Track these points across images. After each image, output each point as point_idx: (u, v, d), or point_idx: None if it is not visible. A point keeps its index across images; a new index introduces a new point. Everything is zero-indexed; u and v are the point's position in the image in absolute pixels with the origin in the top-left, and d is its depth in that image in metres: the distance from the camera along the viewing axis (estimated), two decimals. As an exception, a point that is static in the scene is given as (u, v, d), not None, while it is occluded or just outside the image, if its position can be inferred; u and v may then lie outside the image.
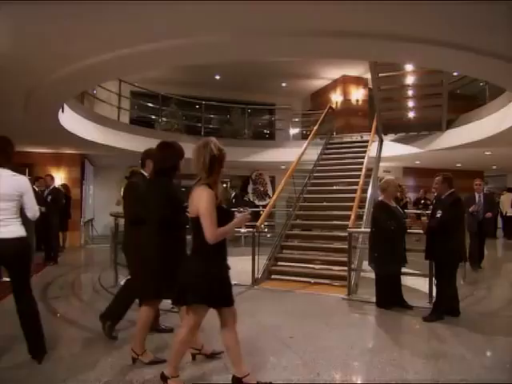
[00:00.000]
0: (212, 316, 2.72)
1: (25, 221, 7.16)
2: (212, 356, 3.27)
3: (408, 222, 4.84)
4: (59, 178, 10.28)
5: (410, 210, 10.31)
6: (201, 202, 2.53)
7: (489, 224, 7.70)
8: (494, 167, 13.95)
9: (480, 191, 7.52)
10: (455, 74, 9.01)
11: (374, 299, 4.95)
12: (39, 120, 6.53)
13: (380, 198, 4.99)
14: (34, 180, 9.09)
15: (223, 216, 2.60)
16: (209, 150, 2.62)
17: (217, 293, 2.63)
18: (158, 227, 3.04)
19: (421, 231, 4.70)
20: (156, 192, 3.10)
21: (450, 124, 9.43)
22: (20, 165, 9.75)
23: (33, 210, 3.17)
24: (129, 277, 3.96)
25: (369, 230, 5.15)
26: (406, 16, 3.34)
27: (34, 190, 8.48)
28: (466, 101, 11.00)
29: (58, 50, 3.88)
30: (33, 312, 3.17)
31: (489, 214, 7.47)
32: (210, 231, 2.50)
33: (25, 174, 10.03)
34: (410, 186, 14.01)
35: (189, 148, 9.62)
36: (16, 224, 3.08)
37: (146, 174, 3.72)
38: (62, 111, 6.54)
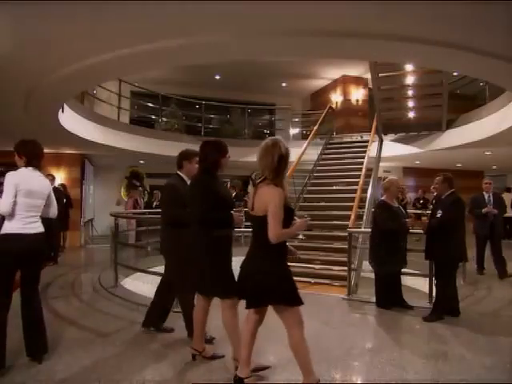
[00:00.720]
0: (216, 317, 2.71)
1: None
2: (212, 358, 3.25)
3: (409, 221, 4.83)
4: (59, 177, 10.28)
5: (411, 210, 10.31)
6: (271, 201, 2.51)
7: (500, 226, 7.03)
8: (494, 167, 13.96)
9: (489, 191, 6.98)
10: (455, 73, 9.02)
11: (373, 299, 4.95)
12: (39, 120, 6.53)
13: (382, 198, 4.99)
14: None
15: (288, 216, 2.60)
16: (278, 149, 2.62)
17: (284, 291, 2.60)
18: (205, 226, 3.00)
19: (421, 231, 4.70)
20: (200, 190, 3.06)
21: (450, 124, 9.42)
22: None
23: (55, 209, 3.47)
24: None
25: (369, 230, 5.15)
26: (406, 16, 3.34)
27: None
28: (466, 101, 11.00)
29: (57, 50, 3.88)
30: (40, 316, 3.27)
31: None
32: (275, 231, 2.48)
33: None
34: (409, 186, 14.01)
35: (189, 148, 9.59)
36: (40, 220, 3.31)
37: (182, 175, 3.74)
38: (62, 111, 6.54)
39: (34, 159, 3.26)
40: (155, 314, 3.92)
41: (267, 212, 2.51)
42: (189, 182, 3.57)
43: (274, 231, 2.48)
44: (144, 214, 10.40)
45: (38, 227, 3.23)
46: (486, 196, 6.95)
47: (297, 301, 2.62)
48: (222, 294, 2.97)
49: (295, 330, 2.63)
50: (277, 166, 2.60)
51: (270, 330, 3.00)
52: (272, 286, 2.56)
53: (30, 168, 3.22)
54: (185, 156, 3.75)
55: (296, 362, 2.66)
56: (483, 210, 6.70)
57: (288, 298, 2.60)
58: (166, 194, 3.81)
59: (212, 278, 2.97)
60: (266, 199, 2.54)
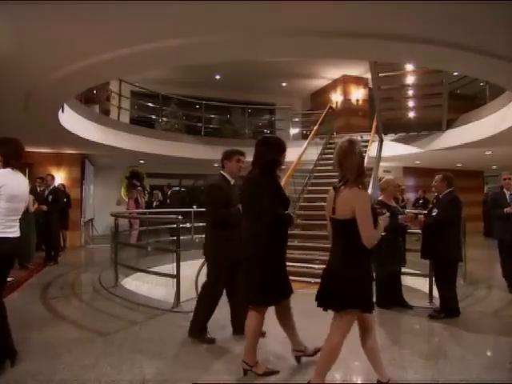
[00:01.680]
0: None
1: (26, 221, 7.18)
2: (266, 375, 3.02)
3: (403, 217, 4.77)
4: (59, 177, 10.29)
5: (411, 210, 10.30)
6: (359, 204, 2.45)
7: None
8: (495, 167, 13.95)
9: (511, 187, 5.75)
10: (455, 73, 9.02)
11: (374, 299, 4.94)
12: (39, 120, 6.53)
13: (380, 198, 4.99)
14: (34, 180, 9.11)
15: (374, 216, 2.58)
16: (356, 149, 2.57)
17: (364, 297, 2.59)
18: (267, 227, 2.90)
19: (420, 231, 4.70)
20: (264, 190, 2.96)
21: (450, 124, 9.42)
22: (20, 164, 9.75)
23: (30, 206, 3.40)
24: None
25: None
26: (407, 16, 3.34)
27: (35, 189, 8.53)
28: (466, 101, 11.00)
29: (57, 50, 3.88)
30: (4, 314, 3.13)
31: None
32: (369, 233, 2.45)
33: (25, 174, 10.10)
34: (410, 185, 14.01)
35: (189, 148, 9.65)
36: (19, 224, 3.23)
37: (225, 174, 3.72)
38: (62, 111, 6.54)
39: (13, 159, 3.13)
40: (201, 321, 3.74)
41: (353, 215, 2.45)
42: (232, 182, 3.67)
43: (367, 234, 2.44)
44: (144, 213, 10.41)
45: (16, 231, 3.16)
46: (508, 194, 5.74)
47: (371, 308, 2.64)
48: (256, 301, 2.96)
49: (371, 333, 2.71)
50: (358, 167, 2.55)
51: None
52: (359, 291, 2.54)
53: (10, 169, 3.10)
54: (224, 156, 3.75)
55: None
56: (506, 210, 5.51)
57: (364, 305, 2.60)
58: (210, 193, 3.70)
59: (253, 286, 2.94)
60: (353, 202, 2.47)
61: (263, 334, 3.51)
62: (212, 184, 3.74)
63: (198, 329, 3.69)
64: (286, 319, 3.16)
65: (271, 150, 3.06)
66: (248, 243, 2.99)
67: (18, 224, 3.20)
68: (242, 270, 3.05)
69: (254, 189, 3.01)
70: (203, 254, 3.89)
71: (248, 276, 2.97)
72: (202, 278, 6.45)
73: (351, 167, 2.53)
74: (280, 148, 3.12)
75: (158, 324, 4.25)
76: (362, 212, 2.44)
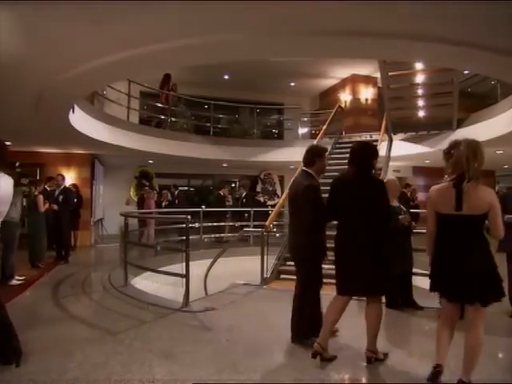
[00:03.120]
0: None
1: (37, 221, 7.24)
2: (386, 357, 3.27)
3: (403, 218, 4.69)
4: (70, 177, 10.38)
5: (422, 210, 10.21)
6: (494, 199, 2.66)
7: None
8: (506, 166, 13.79)
9: None
10: (466, 72, 8.92)
11: (383, 300, 4.91)
12: (50, 120, 6.59)
13: None
14: (45, 180, 9.21)
15: None
16: (481, 149, 2.73)
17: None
18: (383, 224, 3.17)
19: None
20: (379, 191, 3.18)
21: (460, 123, 9.33)
22: (31, 165, 9.89)
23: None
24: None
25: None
26: (418, 15, 3.31)
27: (45, 189, 8.61)
28: (476, 99, 10.88)
29: (68, 50, 3.91)
30: (5, 314, 3.13)
31: None
32: (501, 227, 2.68)
33: (36, 174, 10.18)
34: (419, 185, 13.90)
35: (197, 148, 9.67)
36: None
37: (312, 172, 3.67)
38: (73, 112, 6.59)
39: None
40: (305, 325, 3.65)
41: (487, 210, 2.64)
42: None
43: (500, 227, 2.67)
44: (153, 213, 10.47)
45: None
46: None
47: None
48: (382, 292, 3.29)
49: (480, 329, 2.71)
50: (482, 166, 2.71)
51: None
52: (492, 285, 2.66)
53: None
54: (317, 153, 3.70)
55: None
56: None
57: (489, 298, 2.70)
58: (309, 194, 3.55)
59: (378, 277, 3.14)
60: (487, 199, 2.65)
61: (335, 332, 3.60)
62: (310, 184, 3.57)
63: (305, 333, 3.62)
64: (371, 316, 3.23)
65: (368, 155, 3.27)
66: (366, 241, 3.13)
67: None
68: (359, 264, 3.15)
69: (371, 189, 3.19)
70: (292, 255, 3.87)
71: (372, 270, 3.12)
72: (211, 278, 6.54)
73: (478, 166, 2.68)
74: (374, 153, 3.34)
75: (168, 323, 4.27)
76: (497, 206, 2.65)
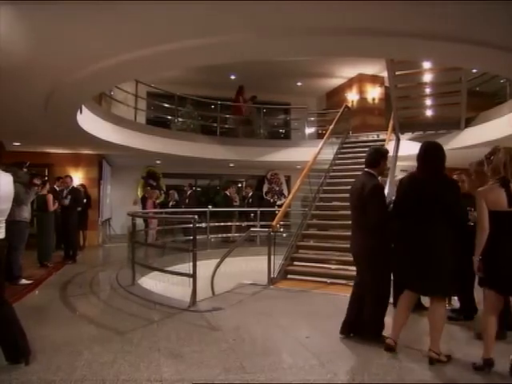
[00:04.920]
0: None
1: (46, 220, 7.30)
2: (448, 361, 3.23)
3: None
4: (77, 177, 10.46)
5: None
6: None
7: None
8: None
9: None
10: (474, 70, 8.85)
11: (390, 300, 4.89)
12: (58, 121, 6.64)
13: (393, 198, 4.96)
14: (54, 180, 9.30)
15: None
16: None
17: None
18: (458, 225, 3.28)
19: None
20: (455, 192, 3.29)
21: (468, 122, 9.24)
22: (40, 165, 9.97)
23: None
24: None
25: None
26: (429, 14, 3.29)
27: (54, 189, 8.69)
28: (485, 98, 10.78)
29: (76, 51, 3.93)
30: (13, 314, 3.14)
31: None
32: None
33: (44, 174, 10.26)
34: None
35: (204, 148, 9.68)
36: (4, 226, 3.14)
37: (375, 173, 3.74)
38: (80, 112, 6.64)
39: None
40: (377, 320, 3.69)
41: None
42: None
43: None
44: (161, 213, 10.52)
45: (2, 233, 3.07)
46: None
47: None
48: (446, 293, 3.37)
49: None
50: None
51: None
52: None
53: None
54: (381, 155, 3.81)
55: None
56: None
57: None
58: (376, 194, 3.60)
59: (445, 276, 3.20)
60: None
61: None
62: (377, 184, 3.65)
63: (379, 330, 3.68)
64: (434, 316, 3.29)
65: (442, 155, 3.34)
66: (439, 240, 3.20)
67: (3, 226, 3.10)
68: (424, 264, 3.21)
69: (447, 189, 3.24)
70: (356, 256, 3.87)
71: (440, 269, 3.19)
72: (218, 278, 6.55)
73: None
74: (444, 153, 3.38)
75: (175, 323, 4.28)
76: None
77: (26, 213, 6.19)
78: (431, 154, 3.34)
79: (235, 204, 11.87)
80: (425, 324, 4.36)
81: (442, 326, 3.24)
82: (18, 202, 5.75)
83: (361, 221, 3.74)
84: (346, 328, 3.79)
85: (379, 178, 3.83)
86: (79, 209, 8.78)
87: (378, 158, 3.78)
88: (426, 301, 4.73)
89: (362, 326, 3.71)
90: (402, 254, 3.38)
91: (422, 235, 3.23)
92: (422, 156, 3.36)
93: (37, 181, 6.88)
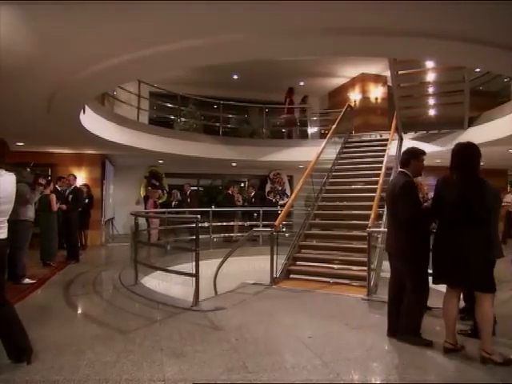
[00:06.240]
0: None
1: (49, 220, 7.33)
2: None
3: None
4: (80, 177, 10.49)
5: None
6: None
7: None
8: (518, 165, 13.62)
9: None
10: (477, 70, 8.82)
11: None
12: (61, 121, 6.65)
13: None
14: (56, 180, 9.33)
15: None
16: None
17: None
18: (488, 225, 3.25)
19: None
20: (486, 192, 3.25)
21: (472, 121, 9.22)
22: (43, 165, 10.01)
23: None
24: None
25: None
26: (432, 13, 3.28)
27: (56, 189, 8.73)
28: (488, 97, 10.74)
29: (79, 51, 3.94)
30: (14, 314, 3.15)
31: None
32: None
33: (47, 174, 10.32)
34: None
35: (207, 148, 9.71)
36: (6, 225, 3.14)
37: (409, 173, 3.78)
38: (83, 112, 6.65)
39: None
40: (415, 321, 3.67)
41: None
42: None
43: None
44: (163, 213, 10.54)
45: (4, 233, 3.07)
46: None
47: None
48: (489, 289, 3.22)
49: None
50: None
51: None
52: None
53: None
54: (413, 154, 3.86)
55: None
56: None
57: None
58: (405, 191, 3.63)
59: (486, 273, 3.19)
60: None
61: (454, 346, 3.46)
62: (407, 181, 3.68)
63: (414, 330, 3.66)
64: (480, 313, 3.25)
65: (478, 155, 3.32)
66: (480, 241, 3.19)
67: (6, 226, 3.10)
68: (467, 262, 3.20)
69: (483, 192, 3.23)
70: (391, 255, 3.85)
71: (483, 267, 3.18)
72: (220, 278, 6.56)
73: None
74: (480, 153, 3.35)
75: (178, 322, 4.28)
76: None
77: (30, 212, 6.22)
78: (467, 155, 3.34)
79: (238, 203, 11.87)
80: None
81: (489, 323, 3.18)
82: (23, 201, 5.78)
83: (393, 220, 3.83)
84: (391, 330, 3.77)
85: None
86: (80, 209, 8.80)
87: (408, 157, 3.85)
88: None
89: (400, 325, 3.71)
90: (443, 252, 3.35)
91: (462, 235, 3.23)
92: (458, 157, 3.36)
93: (41, 180, 6.91)
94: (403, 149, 9.85)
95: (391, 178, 4.11)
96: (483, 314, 3.18)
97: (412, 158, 3.83)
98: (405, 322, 3.66)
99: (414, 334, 3.61)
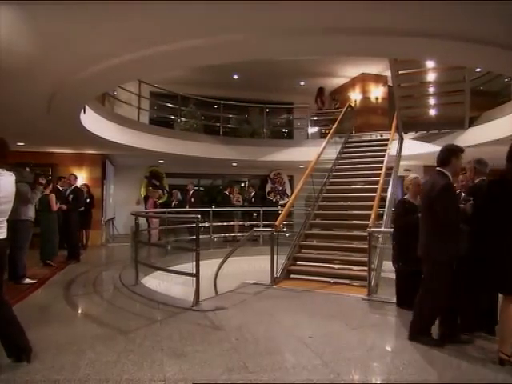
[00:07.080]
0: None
1: (50, 220, 7.33)
2: None
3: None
4: (81, 177, 10.49)
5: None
6: None
7: None
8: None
9: None
10: (478, 70, 8.81)
11: (394, 299, 4.89)
12: (62, 121, 6.66)
13: (405, 197, 4.98)
14: (56, 179, 9.33)
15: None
16: None
17: None
18: None
19: None
20: None
21: (472, 121, 9.21)
22: (43, 165, 10.01)
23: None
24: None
25: (389, 229, 5.10)
26: (433, 12, 3.28)
27: (57, 189, 8.74)
28: (489, 97, 10.73)
29: (79, 51, 3.94)
30: (11, 314, 3.15)
31: None
32: None
33: (48, 174, 10.34)
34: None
35: (207, 148, 9.71)
36: (6, 225, 3.15)
37: (447, 173, 3.53)
38: (84, 112, 6.65)
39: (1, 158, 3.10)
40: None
41: None
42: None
43: None
44: (163, 213, 10.54)
45: (3, 233, 3.07)
46: None
47: None
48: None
49: None
50: None
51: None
52: None
53: None
54: (455, 152, 3.56)
55: None
56: None
57: None
58: (445, 194, 3.41)
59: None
60: None
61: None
62: (447, 183, 3.45)
63: (425, 330, 3.60)
64: (504, 314, 3.17)
65: None
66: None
67: (5, 226, 3.10)
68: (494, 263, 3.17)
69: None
70: (424, 256, 3.65)
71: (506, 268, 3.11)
72: (221, 278, 6.55)
73: None
74: None
75: (178, 322, 4.28)
76: None
77: (31, 212, 6.22)
78: None
79: (237, 203, 11.86)
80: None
81: (509, 325, 3.09)
82: (24, 201, 5.78)
83: (426, 222, 3.60)
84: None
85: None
86: (81, 209, 8.80)
87: (449, 155, 3.55)
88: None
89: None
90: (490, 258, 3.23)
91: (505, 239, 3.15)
92: None
93: (42, 180, 6.91)
94: (403, 149, 9.93)
95: (427, 179, 3.81)
96: (508, 317, 3.08)
97: (453, 155, 3.53)
98: (418, 322, 3.61)
99: (426, 334, 3.57)
